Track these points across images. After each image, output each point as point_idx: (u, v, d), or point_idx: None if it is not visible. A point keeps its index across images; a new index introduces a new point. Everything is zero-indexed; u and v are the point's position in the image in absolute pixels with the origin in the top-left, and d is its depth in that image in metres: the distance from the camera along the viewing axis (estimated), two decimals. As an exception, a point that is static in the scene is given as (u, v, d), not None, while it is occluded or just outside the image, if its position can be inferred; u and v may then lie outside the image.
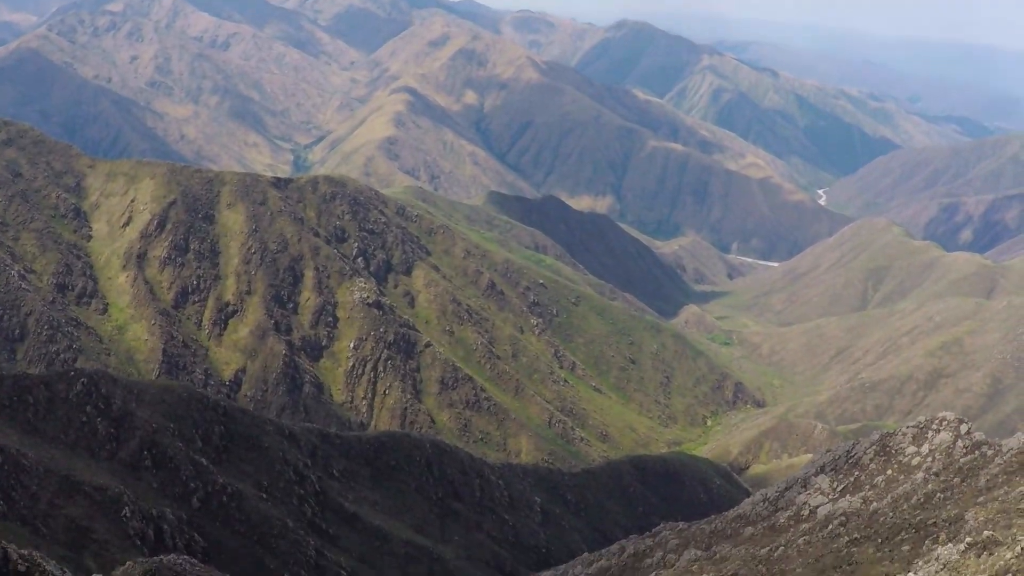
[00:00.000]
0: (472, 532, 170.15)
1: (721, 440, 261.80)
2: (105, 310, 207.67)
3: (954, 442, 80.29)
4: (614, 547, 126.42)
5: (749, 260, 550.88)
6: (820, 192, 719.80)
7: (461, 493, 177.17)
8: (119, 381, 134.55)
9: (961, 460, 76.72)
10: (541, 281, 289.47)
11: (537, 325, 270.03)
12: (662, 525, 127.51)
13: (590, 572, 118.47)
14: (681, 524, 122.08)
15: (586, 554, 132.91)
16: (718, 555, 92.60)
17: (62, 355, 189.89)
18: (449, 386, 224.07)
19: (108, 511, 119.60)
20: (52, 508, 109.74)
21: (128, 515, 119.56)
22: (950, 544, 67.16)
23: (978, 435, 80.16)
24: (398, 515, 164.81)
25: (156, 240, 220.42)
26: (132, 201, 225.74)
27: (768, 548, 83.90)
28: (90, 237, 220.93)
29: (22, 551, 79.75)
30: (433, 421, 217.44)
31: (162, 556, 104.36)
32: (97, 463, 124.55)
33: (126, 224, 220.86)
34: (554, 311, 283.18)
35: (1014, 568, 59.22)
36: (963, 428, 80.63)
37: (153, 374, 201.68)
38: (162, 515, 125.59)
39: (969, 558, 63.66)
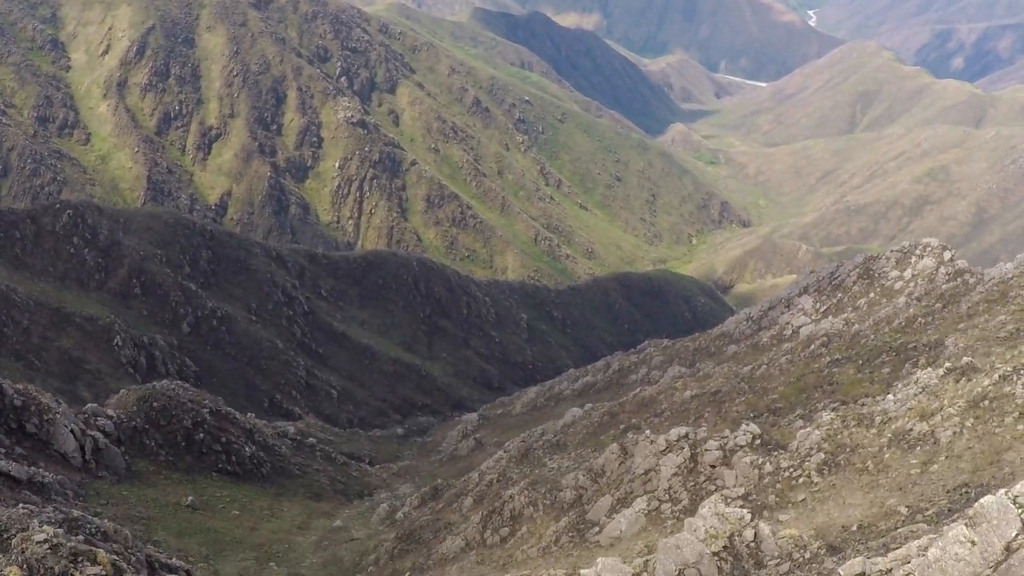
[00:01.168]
0: (459, 349, 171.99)
1: (706, 259, 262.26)
2: (88, 140, 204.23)
3: (937, 268, 79.95)
4: (599, 363, 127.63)
5: (737, 79, 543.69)
6: (810, 13, 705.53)
7: (448, 311, 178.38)
8: (105, 211, 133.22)
9: (943, 287, 76.50)
10: (527, 98, 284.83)
11: (523, 142, 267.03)
12: (647, 342, 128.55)
13: (576, 388, 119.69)
14: (665, 341, 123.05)
15: (572, 370, 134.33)
16: (701, 372, 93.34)
17: (46, 188, 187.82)
18: (435, 204, 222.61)
19: (100, 341, 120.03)
20: (44, 341, 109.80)
21: (120, 344, 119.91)
22: (929, 368, 67.33)
23: (961, 263, 79.81)
24: (386, 333, 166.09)
25: (136, 67, 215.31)
26: (110, 29, 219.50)
27: (751, 366, 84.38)
28: (69, 68, 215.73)
29: (17, 386, 79.58)
30: (419, 239, 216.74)
31: (155, 382, 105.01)
32: (87, 294, 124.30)
33: (105, 52, 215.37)
34: (540, 128, 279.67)
35: (991, 395, 59.37)
36: (946, 255, 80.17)
37: (138, 202, 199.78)
38: (153, 342, 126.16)
39: (948, 383, 63.84)
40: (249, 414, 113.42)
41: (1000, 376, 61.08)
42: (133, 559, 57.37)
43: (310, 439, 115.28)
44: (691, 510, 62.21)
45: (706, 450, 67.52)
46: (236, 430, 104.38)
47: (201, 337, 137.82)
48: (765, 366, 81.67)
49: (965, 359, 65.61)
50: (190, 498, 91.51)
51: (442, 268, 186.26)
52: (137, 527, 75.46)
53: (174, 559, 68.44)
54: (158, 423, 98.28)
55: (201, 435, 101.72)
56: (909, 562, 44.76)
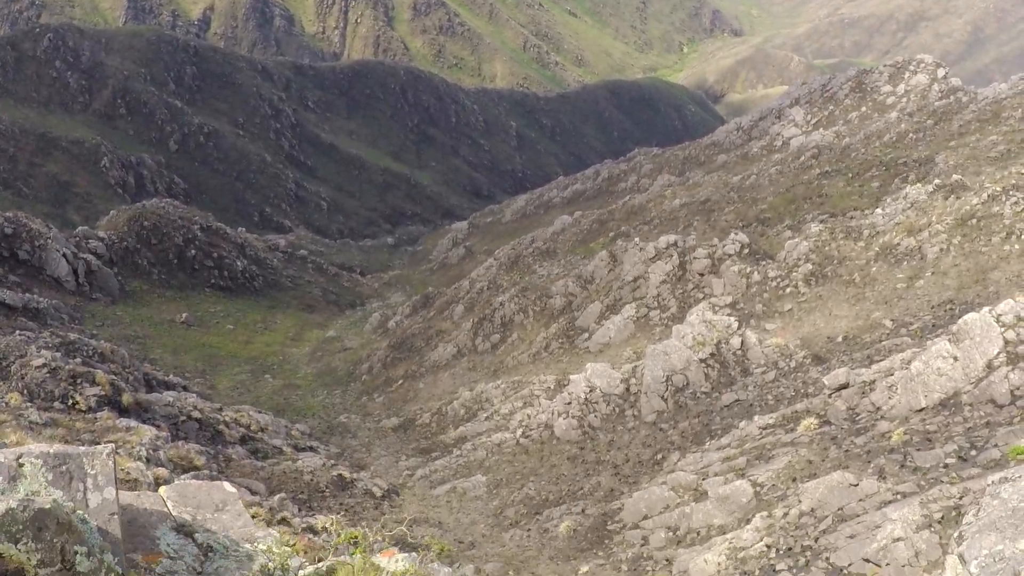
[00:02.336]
0: (448, 157, 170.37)
1: (697, 67, 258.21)
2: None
3: (930, 85, 78.37)
4: (589, 171, 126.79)
5: None
6: None
7: (437, 119, 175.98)
8: (86, 32, 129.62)
9: (936, 104, 75.14)
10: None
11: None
12: (636, 150, 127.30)
13: (565, 196, 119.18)
14: (655, 150, 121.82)
15: (561, 178, 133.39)
16: (691, 181, 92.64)
17: (25, 13, 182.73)
18: (422, 12, 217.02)
19: (87, 164, 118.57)
20: (32, 168, 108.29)
21: (107, 165, 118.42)
22: (919, 185, 66.65)
23: (955, 81, 78.27)
24: (374, 143, 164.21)
25: None
26: None
27: (740, 176, 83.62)
28: None
29: (7, 214, 78.58)
30: (407, 48, 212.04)
31: (144, 202, 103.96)
32: (72, 117, 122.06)
33: None
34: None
35: (979, 214, 58.74)
36: (940, 72, 78.61)
37: (119, 21, 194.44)
38: (141, 161, 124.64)
39: (937, 200, 63.15)
40: (240, 229, 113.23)
41: (989, 196, 60.51)
42: (131, 378, 57.74)
43: (301, 251, 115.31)
44: (679, 317, 62.61)
45: (695, 258, 67.52)
46: (227, 245, 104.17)
47: (189, 154, 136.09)
48: (755, 176, 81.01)
49: (955, 177, 64.94)
50: (184, 315, 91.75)
51: (430, 77, 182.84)
52: (133, 346, 75.91)
53: (171, 376, 69.15)
54: (149, 242, 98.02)
55: (193, 252, 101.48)
56: (892, 374, 44.95)
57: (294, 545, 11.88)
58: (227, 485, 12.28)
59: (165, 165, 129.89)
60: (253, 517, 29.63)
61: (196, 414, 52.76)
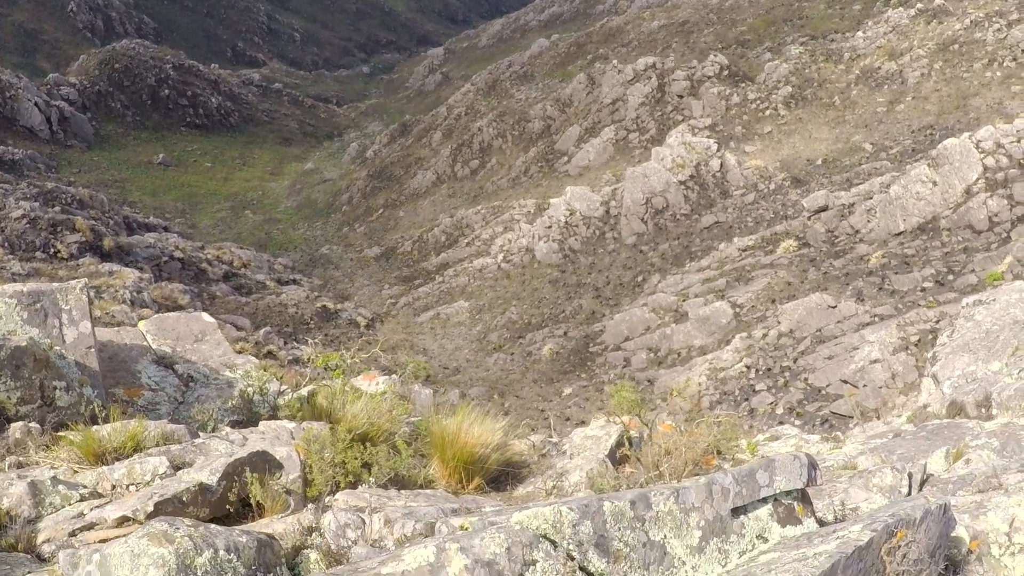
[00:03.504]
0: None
1: None
2: None
3: None
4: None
5: None
6: None
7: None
8: None
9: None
10: None
11: None
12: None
13: (542, 19, 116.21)
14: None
15: (538, 0, 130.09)
16: (669, 2, 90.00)
17: None
18: None
19: (54, 9, 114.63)
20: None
21: (74, 9, 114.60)
22: (901, 8, 64.84)
23: None
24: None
25: None
26: None
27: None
28: None
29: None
30: None
31: (114, 44, 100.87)
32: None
33: None
34: None
35: (962, 39, 57.27)
36: None
37: None
38: (108, 3, 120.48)
39: (919, 24, 61.49)
40: (213, 65, 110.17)
41: (972, 21, 59.02)
42: (111, 222, 56.84)
43: (276, 84, 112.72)
44: (658, 140, 61.67)
45: (674, 80, 66.24)
46: (201, 83, 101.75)
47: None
48: (735, -6, 78.91)
49: (937, 1, 63.14)
50: (161, 156, 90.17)
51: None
52: (112, 191, 74.77)
53: (151, 217, 68.21)
54: (122, 84, 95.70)
55: (166, 91, 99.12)
56: (871, 198, 44.44)
57: (282, 377, 11.63)
58: (205, 316, 12.28)
59: (134, 5, 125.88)
60: (239, 352, 29.28)
61: (178, 254, 52.64)
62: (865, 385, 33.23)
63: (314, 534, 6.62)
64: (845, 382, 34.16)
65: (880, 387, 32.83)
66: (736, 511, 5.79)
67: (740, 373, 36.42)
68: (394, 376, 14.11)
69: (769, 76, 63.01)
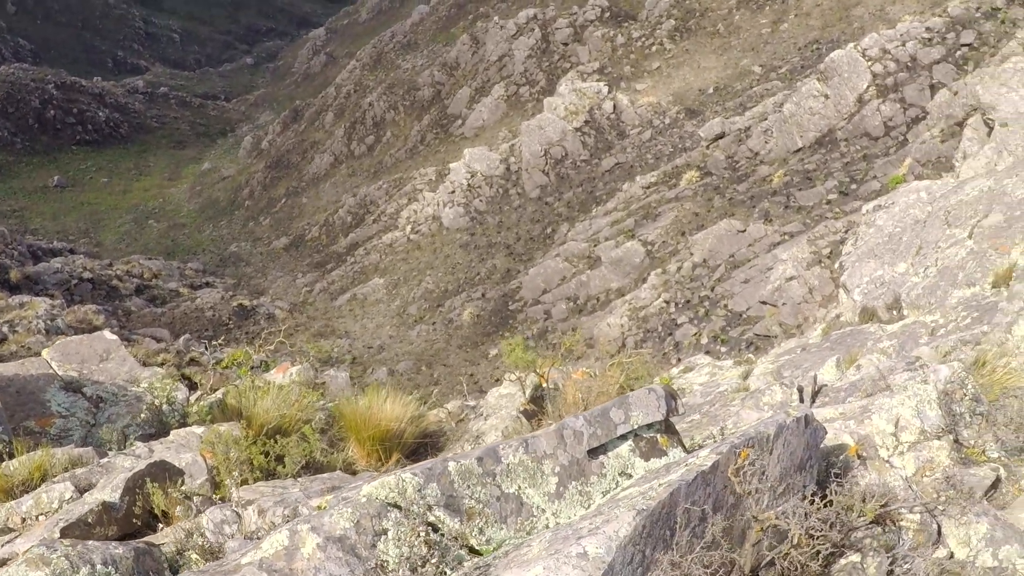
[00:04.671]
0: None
1: None
2: None
3: None
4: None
5: None
6: None
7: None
8: None
9: None
10: None
11: None
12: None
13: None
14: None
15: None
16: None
17: None
18: None
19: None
20: None
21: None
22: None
23: None
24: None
25: None
26: None
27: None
28: None
29: None
30: None
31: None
32: None
33: None
34: None
35: None
36: None
37: None
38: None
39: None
40: (95, 78, 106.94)
41: None
42: (15, 253, 54.87)
43: (161, 88, 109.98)
44: (549, 90, 60.92)
45: (556, 29, 65.49)
46: (86, 98, 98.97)
47: (29, 13, 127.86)
48: None
49: None
50: (56, 178, 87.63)
51: None
52: (12, 221, 72.36)
53: (55, 242, 66.19)
54: (6, 111, 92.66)
55: (52, 112, 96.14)
56: (766, 119, 44.20)
57: (200, 382, 12.23)
58: (108, 334, 12.30)
59: (7, 29, 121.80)
60: (161, 364, 27.97)
61: (87, 274, 51.38)
62: (784, 303, 33.08)
63: (195, 535, 6.53)
64: (764, 303, 33.99)
65: (799, 303, 32.69)
66: (595, 451, 5.72)
67: (660, 309, 36.07)
68: (306, 365, 14.29)
69: (651, 12, 62.54)
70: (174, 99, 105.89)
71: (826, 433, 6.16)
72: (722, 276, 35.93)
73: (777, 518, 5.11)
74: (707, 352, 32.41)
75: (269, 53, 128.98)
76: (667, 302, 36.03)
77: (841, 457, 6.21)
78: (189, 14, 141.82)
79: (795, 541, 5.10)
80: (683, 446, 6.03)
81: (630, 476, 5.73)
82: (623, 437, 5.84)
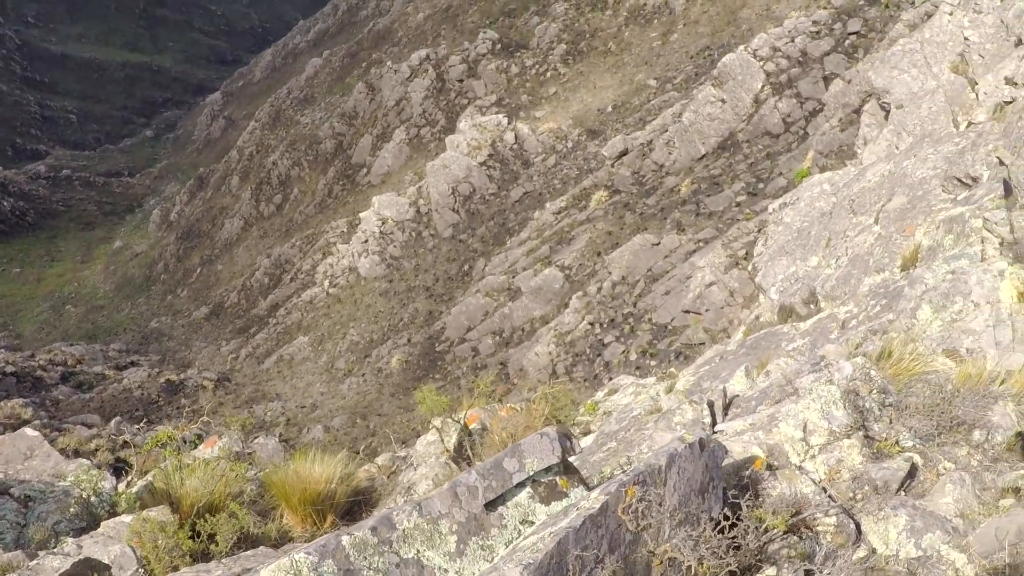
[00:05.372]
0: (184, 33, 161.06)
1: None
2: None
3: None
4: (327, 7, 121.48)
5: None
6: None
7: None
8: None
9: None
10: None
11: None
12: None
13: (310, 38, 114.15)
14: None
15: (302, 22, 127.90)
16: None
17: None
18: None
19: None
20: None
21: None
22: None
23: None
24: (107, 40, 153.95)
25: None
26: None
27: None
28: None
29: None
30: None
31: None
32: None
33: None
34: None
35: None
36: None
37: None
38: None
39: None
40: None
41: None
42: (-75, 361, 53.79)
43: (64, 171, 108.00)
44: (450, 128, 60.56)
45: (450, 66, 65.26)
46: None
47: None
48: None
49: None
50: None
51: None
52: (-75, 330, 71.06)
53: (-27, 340, 65.10)
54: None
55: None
56: (667, 130, 44.29)
57: (132, 466, 11.98)
58: (28, 431, 11.98)
59: None
60: (95, 450, 26.97)
61: (10, 368, 50.56)
62: (707, 309, 32.98)
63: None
64: (688, 312, 33.86)
65: (722, 307, 32.62)
66: (493, 503, 5.63)
67: (586, 332, 35.79)
68: (229, 437, 14.05)
69: (542, 39, 62.67)
70: (78, 180, 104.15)
71: (727, 453, 6.18)
72: (643, 291, 35.75)
73: (672, 550, 5.06)
74: (637, 368, 32.19)
75: (168, 123, 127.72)
76: (592, 324, 35.76)
77: (748, 472, 6.20)
78: (83, 93, 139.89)
79: (693, 571, 5.02)
80: (585, 484, 5.88)
81: (532, 523, 5.63)
82: (521, 485, 5.72)
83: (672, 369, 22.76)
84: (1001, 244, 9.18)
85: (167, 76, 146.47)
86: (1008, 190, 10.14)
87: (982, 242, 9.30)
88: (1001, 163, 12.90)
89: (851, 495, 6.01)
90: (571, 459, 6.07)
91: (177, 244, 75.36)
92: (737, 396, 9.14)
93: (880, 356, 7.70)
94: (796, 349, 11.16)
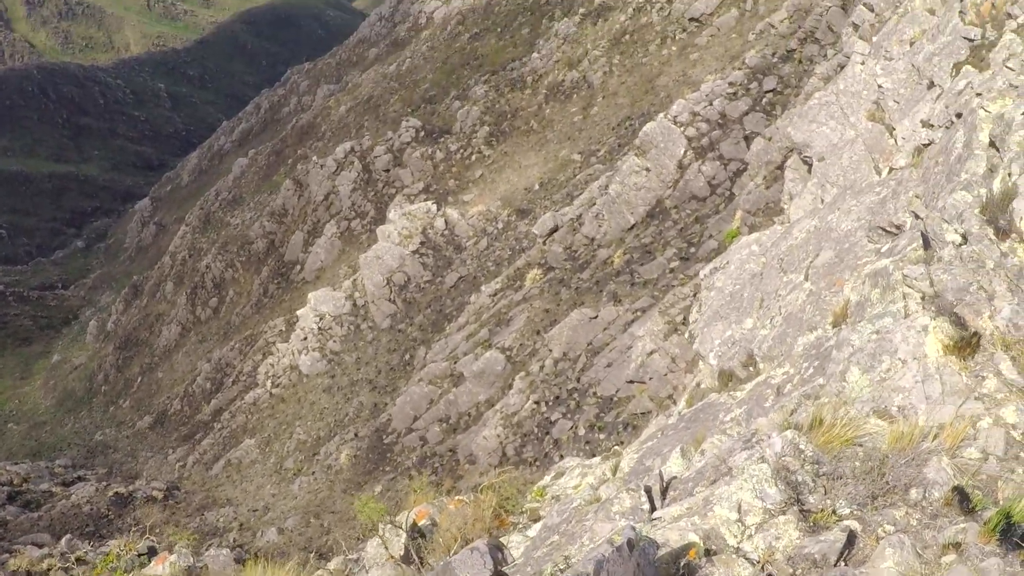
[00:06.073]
0: (109, 141, 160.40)
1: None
2: None
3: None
4: (249, 107, 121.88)
5: None
6: None
7: (85, 107, 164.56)
8: None
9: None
10: None
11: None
12: (289, 71, 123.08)
13: (234, 139, 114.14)
14: (307, 65, 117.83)
15: (225, 123, 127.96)
16: (350, 84, 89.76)
17: None
18: (36, 3, 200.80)
19: None
20: None
21: None
22: (566, 18, 66.35)
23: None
24: (32, 152, 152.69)
25: None
26: None
27: (395, 64, 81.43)
28: None
29: None
30: (32, 46, 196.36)
31: None
32: None
33: None
34: None
35: (630, 28, 58.93)
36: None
37: None
38: None
39: (587, 27, 63.05)
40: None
41: (635, 9, 60.79)
42: None
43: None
44: (380, 219, 60.51)
45: (375, 157, 65.42)
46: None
47: None
48: (409, 59, 79.13)
49: (598, 0, 65.13)
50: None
51: (64, 67, 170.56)
52: None
53: (-94, 473, 63.20)
54: None
55: None
56: (595, 203, 44.65)
57: None
58: None
59: None
60: (48, 570, 26.23)
61: None
62: (651, 378, 32.94)
63: None
64: (632, 382, 33.79)
65: (665, 374, 32.59)
66: None
67: (532, 411, 35.57)
68: (179, 553, 13.95)
69: (464, 123, 63.14)
70: (11, 295, 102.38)
71: (658, 548, 6.17)
72: (585, 365, 35.68)
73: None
74: (587, 442, 32.03)
75: (98, 233, 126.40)
76: (537, 403, 35.57)
77: (683, 562, 6.14)
78: (12, 207, 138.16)
79: None
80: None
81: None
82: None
83: (616, 447, 22.63)
84: (923, 299, 9.26)
85: (95, 185, 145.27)
86: (927, 243, 10.27)
87: (904, 298, 9.40)
88: (917, 217, 13.09)
89: (791, 572, 5.96)
90: (504, 569, 6.10)
91: (116, 354, 74.21)
92: (675, 478, 9.13)
93: (812, 425, 7.71)
94: (733, 419, 11.22)
